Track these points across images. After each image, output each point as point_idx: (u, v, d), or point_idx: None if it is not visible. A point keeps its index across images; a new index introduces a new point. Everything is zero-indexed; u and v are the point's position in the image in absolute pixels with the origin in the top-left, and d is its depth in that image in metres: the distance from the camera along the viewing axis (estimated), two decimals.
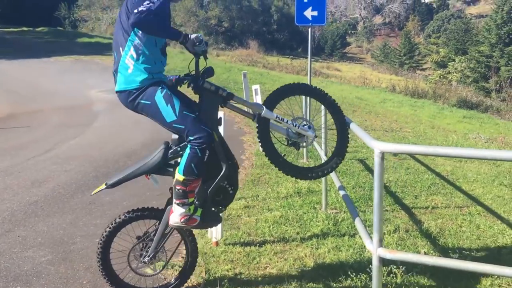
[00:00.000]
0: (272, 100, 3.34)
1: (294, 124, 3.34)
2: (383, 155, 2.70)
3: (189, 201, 3.16)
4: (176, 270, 3.76)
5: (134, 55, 3.06)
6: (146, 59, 3.07)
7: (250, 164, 7.49)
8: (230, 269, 3.90)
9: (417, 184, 6.59)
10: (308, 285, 3.66)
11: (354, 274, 3.79)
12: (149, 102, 3.08)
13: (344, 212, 5.25)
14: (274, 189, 6.13)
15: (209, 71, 3.23)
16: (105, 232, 3.33)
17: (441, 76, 35.69)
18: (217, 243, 4.30)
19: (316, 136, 3.42)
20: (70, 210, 5.39)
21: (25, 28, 37.94)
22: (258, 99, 8.59)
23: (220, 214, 3.37)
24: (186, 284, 3.64)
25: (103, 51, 27.49)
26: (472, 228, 5.02)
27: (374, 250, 2.82)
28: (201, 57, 3.20)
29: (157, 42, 3.11)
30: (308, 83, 7.18)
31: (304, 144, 3.43)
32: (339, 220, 5.03)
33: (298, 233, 4.70)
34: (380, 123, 13.35)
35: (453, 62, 37.43)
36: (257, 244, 4.39)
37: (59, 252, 4.32)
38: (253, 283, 3.68)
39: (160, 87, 3.09)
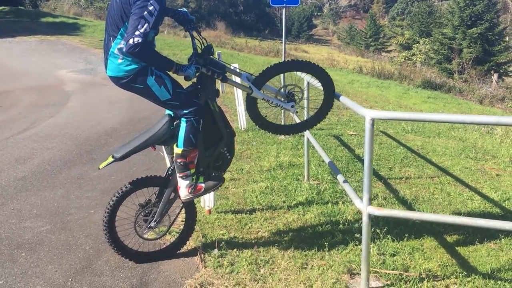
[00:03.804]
0: (260, 81, 3.60)
1: (278, 104, 3.65)
2: (373, 121, 2.98)
3: (191, 172, 3.43)
4: (175, 236, 3.97)
5: (124, 48, 3.09)
6: None
7: None
8: (225, 234, 4.14)
9: (391, 157, 6.96)
10: (300, 245, 3.94)
11: (340, 235, 4.11)
12: (141, 86, 3.25)
13: (326, 183, 5.55)
14: (257, 163, 6.37)
15: (209, 50, 3.42)
16: (112, 201, 3.49)
17: (406, 58, 36.44)
18: (209, 211, 4.52)
19: (297, 111, 3.81)
20: (60, 185, 5.50)
21: None
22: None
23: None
24: (185, 247, 3.87)
25: (69, 31, 26.99)
26: (443, 195, 5.42)
27: (364, 208, 3.12)
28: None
29: None
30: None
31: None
32: (322, 190, 5.32)
33: (284, 202, 4.97)
34: None
35: (417, 44, 38.17)
36: (247, 212, 4.64)
37: (57, 222, 4.46)
38: (248, 245, 3.93)
39: (149, 71, 3.23)
